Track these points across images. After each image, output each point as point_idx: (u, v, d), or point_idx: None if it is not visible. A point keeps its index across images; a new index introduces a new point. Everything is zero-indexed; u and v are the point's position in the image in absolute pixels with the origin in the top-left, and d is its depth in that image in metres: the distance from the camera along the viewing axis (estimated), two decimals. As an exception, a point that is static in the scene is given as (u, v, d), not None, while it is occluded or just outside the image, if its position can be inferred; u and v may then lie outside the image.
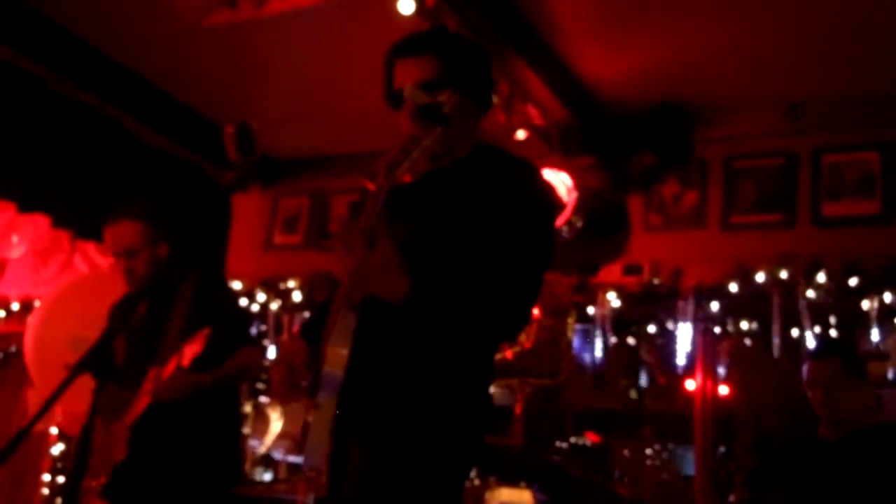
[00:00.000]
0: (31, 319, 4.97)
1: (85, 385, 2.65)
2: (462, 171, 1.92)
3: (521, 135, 4.49)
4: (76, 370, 1.96)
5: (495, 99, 2.20)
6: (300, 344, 1.89)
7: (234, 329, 3.00)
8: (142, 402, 2.78)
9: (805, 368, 3.02)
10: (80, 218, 5.08)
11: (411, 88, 1.88)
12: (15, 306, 5.59)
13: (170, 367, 2.71)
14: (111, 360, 2.96)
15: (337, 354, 1.68)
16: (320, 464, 1.73)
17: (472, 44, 2.09)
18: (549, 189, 1.96)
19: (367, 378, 1.76)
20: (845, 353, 3.08)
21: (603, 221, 4.86)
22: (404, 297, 1.68)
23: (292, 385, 1.85)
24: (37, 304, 5.28)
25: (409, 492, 1.72)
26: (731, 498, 2.83)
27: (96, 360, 2.09)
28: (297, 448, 1.81)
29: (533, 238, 1.82)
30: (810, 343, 4.14)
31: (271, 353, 5.65)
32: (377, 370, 1.78)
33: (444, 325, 1.76)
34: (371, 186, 1.70)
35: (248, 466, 5.47)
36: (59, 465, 4.78)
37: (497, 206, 1.80)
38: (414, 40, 1.98)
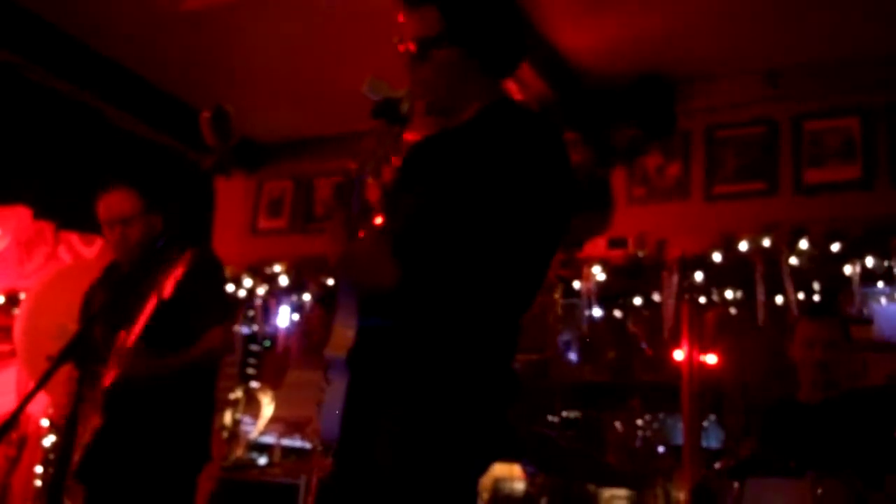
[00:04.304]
0: (20, 311, 4.96)
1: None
2: (467, 135, 1.78)
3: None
4: (58, 361, 1.96)
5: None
6: (319, 311, 1.90)
7: (212, 298, 2.95)
8: (112, 371, 2.73)
9: (801, 327, 3.03)
10: (62, 208, 5.06)
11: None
12: (0, 299, 5.56)
13: (140, 323, 2.63)
14: (94, 346, 2.94)
15: (341, 335, 1.67)
16: (335, 437, 1.68)
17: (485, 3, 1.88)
18: (560, 149, 1.77)
19: (374, 358, 1.70)
20: (840, 316, 3.11)
21: (587, 196, 4.87)
22: (390, 285, 1.62)
23: (314, 345, 1.85)
24: (22, 296, 5.26)
25: (436, 476, 1.65)
26: (718, 465, 2.86)
27: (78, 349, 2.08)
28: (317, 417, 1.79)
29: (537, 204, 1.68)
30: (794, 310, 4.17)
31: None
32: (382, 349, 1.70)
33: (441, 307, 1.67)
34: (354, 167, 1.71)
35: (241, 451, 5.50)
36: (51, 456, 4.79)
37: (502, 173, 1.66)
38: None
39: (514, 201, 1.66)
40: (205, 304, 2.90)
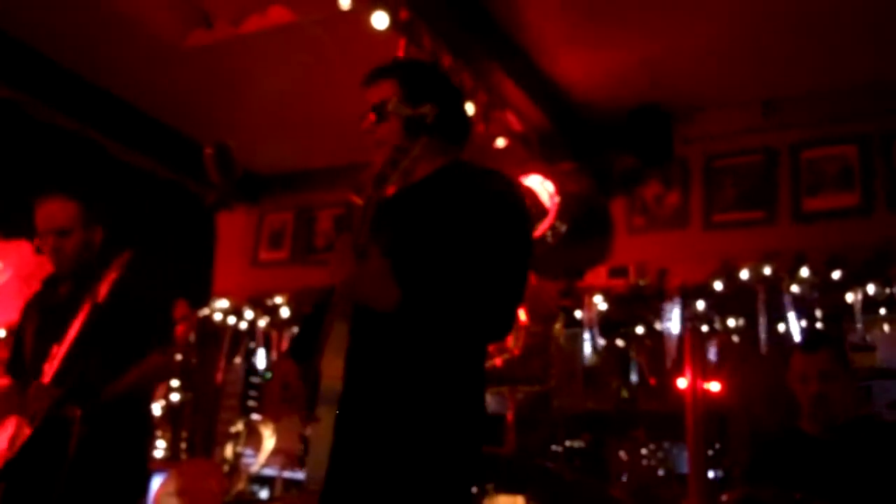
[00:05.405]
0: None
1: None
2: (433, 184, 1.98)
3: (500, 143, 4.51)
4: (56, 401, 1.92)
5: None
6: (290, 362, 1.92)
7: (149, 320, 2.81)
8: (43, 403, 2.49)
9: (795, 361, 3.00)
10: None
11: (394, 102, 1.96)
12: (1, 333, 5.55)
13: (72, 331, 2.52)
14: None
15: (333, 366, 1.70)
16: (323, 477, 1.70)
17: (435, 74, 2.17)
18: (520, 193, 1.99)
19: (364, 388, 1.77)
20: (835, 344, 3.08)
21: (587, 225, 4.89)
22: (394, 305, 1.72)
23: (288, 402, 1.85)
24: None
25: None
26: (724, 497, 2.83)
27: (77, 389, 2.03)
28: (299, 463, 1.79)
29: (509, 241, 1.85)
30: (797, 338, 4.16)
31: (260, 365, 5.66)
32: (373, 380, 1.79)
33: (434, 330, 1.78)
34: (358, 199, 1.74)
35: (242, 484, 5.46)
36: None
37: (471, 214, 1.84)
38: (374, 70, 2.07)
39: (493, 240, 1.81)
40: (147, 314, 2.76)
